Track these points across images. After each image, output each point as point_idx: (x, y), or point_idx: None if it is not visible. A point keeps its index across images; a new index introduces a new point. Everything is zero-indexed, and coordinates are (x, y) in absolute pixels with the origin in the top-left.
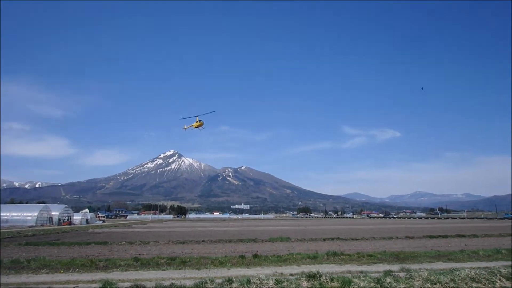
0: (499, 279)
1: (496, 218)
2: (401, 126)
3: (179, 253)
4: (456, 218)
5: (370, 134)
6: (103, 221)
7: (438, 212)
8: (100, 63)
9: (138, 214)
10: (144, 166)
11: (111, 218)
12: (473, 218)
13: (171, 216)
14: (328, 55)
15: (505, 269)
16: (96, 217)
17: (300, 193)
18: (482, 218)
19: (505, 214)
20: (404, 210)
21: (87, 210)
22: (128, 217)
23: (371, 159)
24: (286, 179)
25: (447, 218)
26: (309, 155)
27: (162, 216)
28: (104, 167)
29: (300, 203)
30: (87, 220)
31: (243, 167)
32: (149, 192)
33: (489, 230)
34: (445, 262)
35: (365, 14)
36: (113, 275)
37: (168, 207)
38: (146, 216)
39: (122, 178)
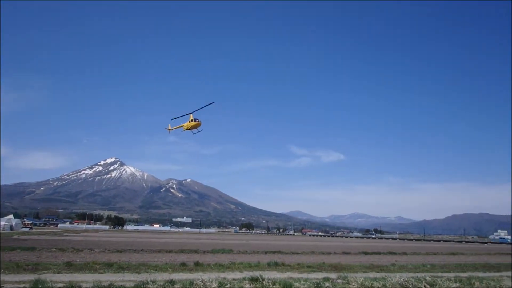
0: (424, 285)
1: (423, 240)
2: (346, 149)
3: (117, 260)
4: (388, 239)
5: (316, 155)
6: (30, 228)
7: (373, 233)
8: (42, 57)
9: (70, 223)
10: (81, 172)
11: (39, 226)
12: (403, 239)
13: (107, 227)
14: (279, 75)
15: (430, 278)
16: (23, 224)
17: (244, 208)
18: (411, 240)
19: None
20: (342, 229)
21: (11, 216)
22: (59, 225)
23: (315, 179)
24: (231, 194)
25: (381, 238)
26: (256, 172)
27: (98, 226)
28: (36, 170)
29: (243, 218)
30: (11, 226)
31: (188, 180)
32: (84, 200)
33: (417, 249)
34: (378, 272)
35: (312, 42)
36: (44, 277)
37: (105, 217)
38: (80, 225)
39: (55, 183)
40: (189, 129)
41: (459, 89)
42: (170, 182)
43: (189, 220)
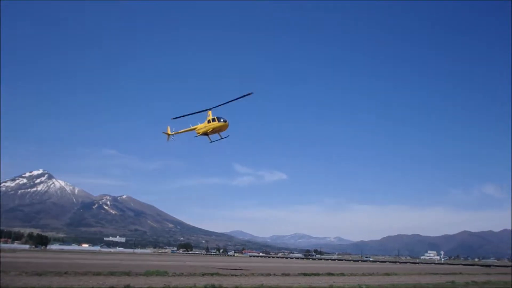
0: None
1: (361, 260)
2: (288, 168)
3: (35, 285)
4: (328, 260)
5: (259, 174)
6: None
7: (313, 253)
8: None
9: None
10: (2, 185)
11: None
12: (342, 260)
13: (27, 246)
14: (226, 90)
15: None
16: None
17: (183, 228)
18: (349, 260)
19: (366, 257)
20: (283, 250)
21: None
22: None
23: (257, 198)
24: (170, 212)
25: (321, 259)
26: (198, 189)
27: (16, 245)
28: None
29: (182, 238)
30: None
31: (124, 196)
32: (3, 216)
33: (354, 270)
34: None
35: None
36: None
37: (26, 235)
38: None
39: None
40: (207, 133)
41: (387, 115)
42: (104, 198)
43: (123, 239)
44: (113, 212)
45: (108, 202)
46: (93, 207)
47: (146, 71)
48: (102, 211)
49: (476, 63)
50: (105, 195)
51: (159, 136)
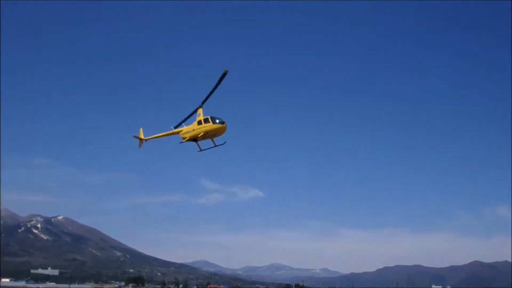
0: None
1: None
2: (265, 184)
3: None
4: None
5: (230, 191)
6: None
7: None
8: None
9: None
10: None
11: None
12: None
13: None
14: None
15: None
16: None
17: (134, 257)
18: None
19: None
20: (257, 284)
21: None
22: None
23: (227, 220)
24: (118, 237)
25: None
26: (154, 209)
27: None
28: None
29: (132, 270)
30: None
31: (59, 217)
32: None
33: None
34: None
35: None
36: None
37: None
38: None
39: None
40: (196, 139)
41: (383, 121)
42: (34, 219)
43: (56, 272)
44: (45, 237)
45: (39, 225)
46: (19, 230)
47: (91, 53)
48: (31, 235)
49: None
50: (35, 215)
51: (106, 140)
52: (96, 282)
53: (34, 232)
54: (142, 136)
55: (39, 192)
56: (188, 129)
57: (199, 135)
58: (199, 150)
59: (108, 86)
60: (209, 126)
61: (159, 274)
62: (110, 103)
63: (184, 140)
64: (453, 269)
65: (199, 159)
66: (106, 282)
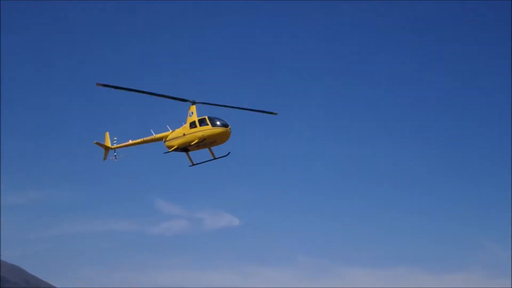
0: None
1: None
2: (242, 209)
3: None
4: None
5: (196, 217)
6: None
7: None
8: None
9: None
10: None
11: None
12: None
13: None
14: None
15: None
16: None
17: None
18: None
19: None
20: None
21: None
22: None
23: (193, 255)
24: (47, 277)
25: None
26: (94, 240)
27: None
28: None
29: None
30: None
31: None
32: None
33: None
34: None
35: None
36: None
37: None
38: None
39: None
40: (187, 148)
41: (393, 131)
42: None
43: None
44: None
45: None
46: None
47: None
48: None
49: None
50: None
51: (30, 145)
52: None
53: None
54: (108, 143)
55: None
56: (176, 134)
57: (192, 143)
58: (192, 164)
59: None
60: (207, 130)
61: None
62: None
63: (170, 150)
64: None
65: (153, 171)
66: None
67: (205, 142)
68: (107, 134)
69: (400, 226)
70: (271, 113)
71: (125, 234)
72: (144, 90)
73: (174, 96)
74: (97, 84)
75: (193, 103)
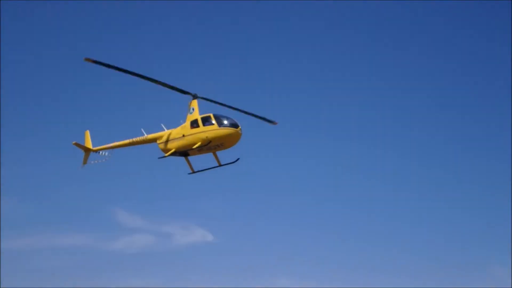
0: None
1: None
2: (216, 222)
3: None
4: None
5: (163, 231)
6: None
7: None
8: None
9: None
10: None
11: None
12: None
13: None
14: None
15: None
16: None
17: None
18: None
19: None
20: None
21: None
22: None
23: (158, 276)
24: None
25: None
26: (43, 257)
27: None
28: None
29: None
30: None
31: None
32: None
33: None
34: None
35: None
36: None
37: None
38: None
39: None
40: (187, 153)
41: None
42: None
43: None
44: None
45: None
46: None
47: None
48: None
49: None
50: None
51: None
52: None
53: None
54: (89, 145)
55: None
56: (174, 134)
57: (194, 146)
58: (192, 171)
59: None
60: (213, 131)
61: None
62: None
63: (166, 154)
64: None
65: (112, 176)
66: None
67: (209, 146)
68: (87, 133)
69: (395, 245)
70: (271, 122)
71: (78, 250)
72: (139, 73)
73: (173, 85)
74: (85, 59)
75: (195, 97)
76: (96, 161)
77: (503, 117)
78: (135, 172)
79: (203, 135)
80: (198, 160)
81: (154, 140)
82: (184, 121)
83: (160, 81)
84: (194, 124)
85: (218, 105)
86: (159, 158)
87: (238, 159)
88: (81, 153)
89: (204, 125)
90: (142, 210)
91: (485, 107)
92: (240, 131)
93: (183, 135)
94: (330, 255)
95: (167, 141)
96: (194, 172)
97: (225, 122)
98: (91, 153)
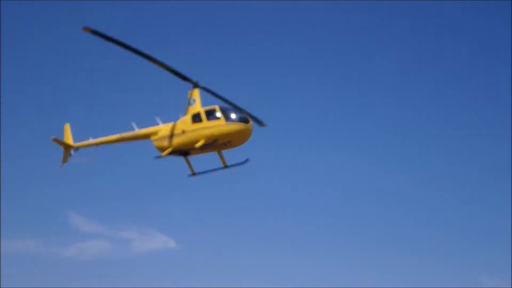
0: None
1: None
2: (180, 227)
3: None
4: None
5: (120, 236)
6: None
7: None
8: None
9: None
10: None
11: None
12: None
13: None
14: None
15: None
16: None
17: None
18: None
19: None
20: None
21: None
22: None
23: (111, 285)
24: None
25: None
26: None
27: None
28: None
29: None
30: None
31: None
32: None
33: None
34: None
35: None
36: None
37: None
38: None
39: None
40: (187, 151)
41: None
42: None
43: None
44: None
45: None
46: None
47: None
48: None
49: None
50: None
51: None
52: None
53: None
54: (69, 140)
55: None
56: (172, 130)
57: (197, 144)
58: (192, 173)
59: None
60: (219, 126)
61: None
62: None
63: (163, 154)
64: None
65: (65, 176)
66: None
67: (215, 144)
68: (67, 126)
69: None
70: (260, 123)
71: (28, 256)
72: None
73: (173, 67)
74: (84, 28)
75: (196, 85)
76: (78, 160)
77: (503, 117)
78: (79, 171)
79: (208, 132)
80: (198, 160)
81: (147, 136)
82: (184, 114)
83: (159, 61)
84: (197, 118)
85: (219, 100)
86: (155, 158)
87: (247, 159)
88: (61, 150)
89: (208, 119)
90: (98, 215)
91: (485, 107)
92: (251, 127)
93: (183, 131)
94: (302, 265)
95: (163, 137)
96: (195, 174)
97: (234, 116)
98: (72, 150)
